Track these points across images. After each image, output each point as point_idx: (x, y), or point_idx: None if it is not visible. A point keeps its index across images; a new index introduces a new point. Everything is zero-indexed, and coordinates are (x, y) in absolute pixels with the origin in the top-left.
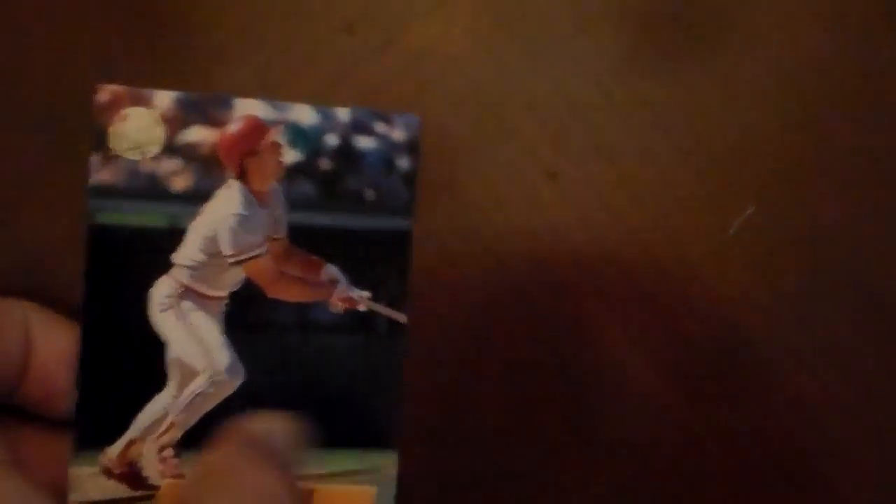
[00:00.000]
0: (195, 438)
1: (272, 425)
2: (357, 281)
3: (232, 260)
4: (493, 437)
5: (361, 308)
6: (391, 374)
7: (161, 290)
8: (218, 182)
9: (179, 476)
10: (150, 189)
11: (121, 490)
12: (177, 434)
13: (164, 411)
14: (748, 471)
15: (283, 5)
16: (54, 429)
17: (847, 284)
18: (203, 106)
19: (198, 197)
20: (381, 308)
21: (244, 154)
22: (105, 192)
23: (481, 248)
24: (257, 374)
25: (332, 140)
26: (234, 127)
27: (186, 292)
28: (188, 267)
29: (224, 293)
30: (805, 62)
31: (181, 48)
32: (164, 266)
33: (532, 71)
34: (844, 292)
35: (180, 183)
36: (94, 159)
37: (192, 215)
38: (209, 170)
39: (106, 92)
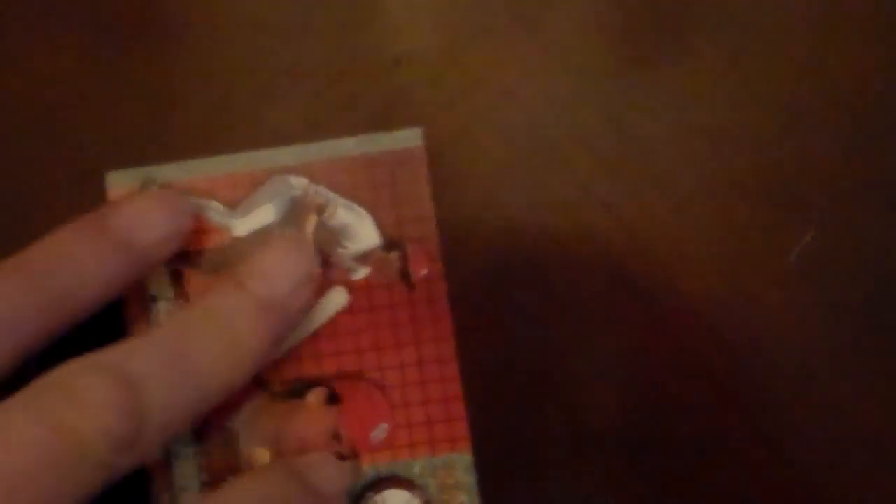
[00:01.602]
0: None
1: (320, 461)
2: None
3: None
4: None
5: None
6: None
7: None
8: None
9: None
10: None
11: None
12: None
13: None
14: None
15: (330, 39)
16: None
17: None
18: None
19: None
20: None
21: None
22: None
23: (538, 283)
24: None
25: None
26: None
27: None
28: None
29: None
30: (859, 85)
31: (227, 90)
32: None
33: (583, 102)
34: None
35: None
36: None
37: None
38: None
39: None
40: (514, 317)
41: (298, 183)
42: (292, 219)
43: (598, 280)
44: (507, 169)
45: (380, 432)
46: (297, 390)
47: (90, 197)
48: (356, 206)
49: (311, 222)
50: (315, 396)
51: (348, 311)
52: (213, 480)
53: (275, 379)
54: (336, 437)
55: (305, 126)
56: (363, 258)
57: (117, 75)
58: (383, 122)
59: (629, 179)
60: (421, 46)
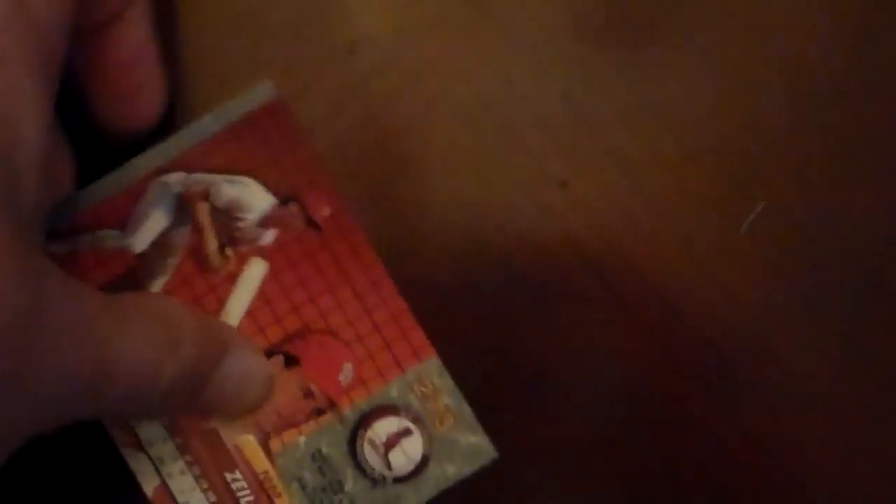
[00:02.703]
0: None
1: None
2: None
3: None
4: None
5: None
6: None
7: None
8: None
9: None
10: None
11: None
12: None
13: None
14: (767, 470)
15: (285, 29)
16: None
17: (860, 279)
18: None
19: None
20: None
21: None
22: None
23: (494, 260)
24: None
25: None
26: None
27: None
28: None
29: None
30: (810, 58)
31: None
32: None
33: (537, 83)
34: (857, 287)
35: None
36: None
37: None
38: None
39: None
40: (476, 297)
41: (175, 179)
42: (183, 215)
43: (557, 257)
44: (463, 151)
45: (346, 373)
46: None
47: None
48: (237, 178)
49: (203, 210)
50: (273, 365)
51: (271, 276)
52: (210, 484)
53: None
54: (308, 394)
55: None
56: (265, 222)
57: None
58: (338, 108)
59: (583, 157)
60: (375, 32)
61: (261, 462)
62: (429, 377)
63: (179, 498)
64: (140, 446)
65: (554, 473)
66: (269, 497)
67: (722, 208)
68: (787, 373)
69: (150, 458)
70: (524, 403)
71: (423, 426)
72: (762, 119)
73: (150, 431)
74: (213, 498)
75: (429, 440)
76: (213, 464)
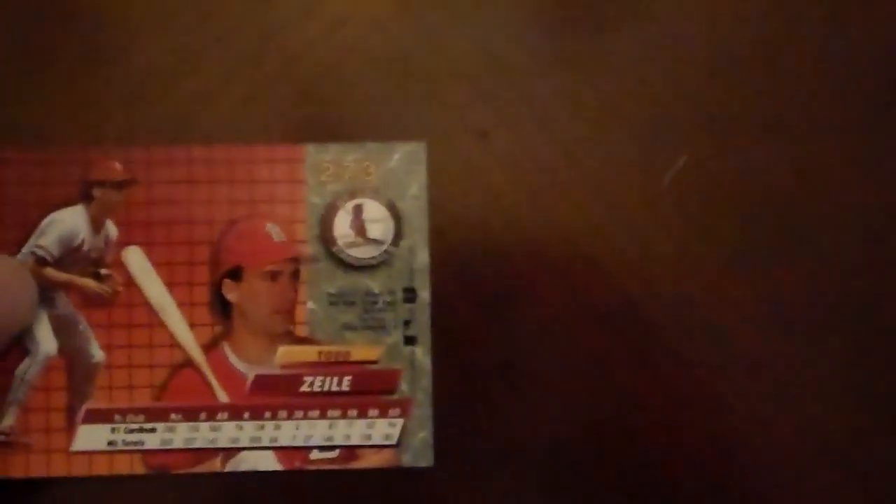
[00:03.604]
0: None
1: None
2: None
3: None
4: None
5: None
6: None
7: None
8: None
9: None
10: None
11: None
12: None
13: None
14: (693, 434)
15: None
16: None
17: (782, 233)
18: None
19: None
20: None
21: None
22: None
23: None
24: None
25: None
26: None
27: None
28: None
29: None
30: (727, 12)
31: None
32: None
33: (458, 33)
34: (778, 240)
35: None
36: None
37: None
38: None
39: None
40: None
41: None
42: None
43: (475, 203)
44: (380, 99)
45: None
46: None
47: None
48: (40, 226)
49: (51, 272)
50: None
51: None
52: None
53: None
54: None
55: (177, 65)
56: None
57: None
58: (256, 59)
59: (504, 109)
60: None
61: None
62: None
63: None
64: None
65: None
66: None
67: (643, 162)
68: (706, 327)
69: None
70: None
71: None
72: (684, 73)
73: None
74: None
75: None
76: None
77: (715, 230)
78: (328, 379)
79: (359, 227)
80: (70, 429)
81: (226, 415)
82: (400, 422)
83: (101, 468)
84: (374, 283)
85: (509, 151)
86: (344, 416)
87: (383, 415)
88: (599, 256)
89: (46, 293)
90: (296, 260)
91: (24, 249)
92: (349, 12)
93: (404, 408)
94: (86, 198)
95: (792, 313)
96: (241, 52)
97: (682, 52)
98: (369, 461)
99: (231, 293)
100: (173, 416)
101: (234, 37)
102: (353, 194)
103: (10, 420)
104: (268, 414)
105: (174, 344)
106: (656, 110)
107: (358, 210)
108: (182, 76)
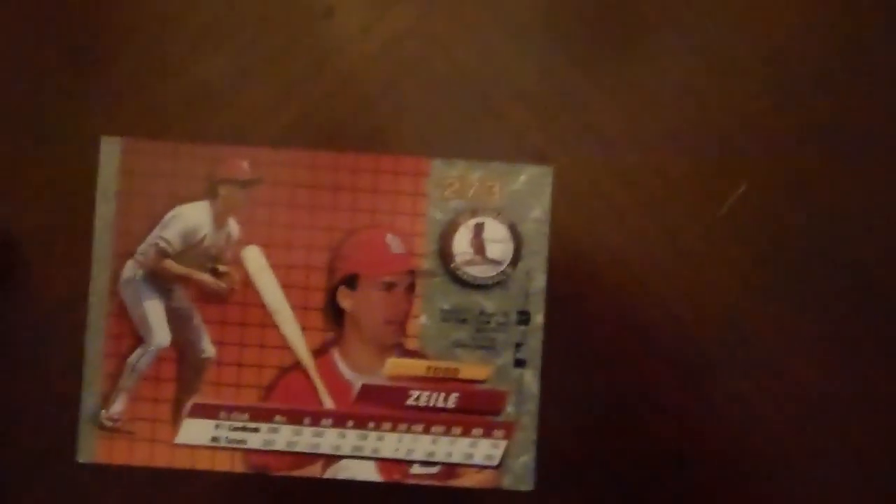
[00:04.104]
0: None
1: None
2: None
3: None
4: None
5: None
6: None
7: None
8: None
9: None
10: None
11: None
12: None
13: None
14: (744, 458)
15: None
16: None
17: (841, 265)
18: None
19: None
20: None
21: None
22: None
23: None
24: None
25: None
26: None
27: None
28: None
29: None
30: (787, 39)
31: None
32: None
33: (517, 54)
34: (837, 271)
35: None
36: None
37: None
38: None
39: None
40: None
41: (130, 270)
42: (164, 283)
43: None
44: (438, 118)
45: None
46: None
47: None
48: (164, 218)
49: (171, 265)
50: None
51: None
52: None
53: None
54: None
55: (237, 76)
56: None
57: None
58: (315, 72)
59: (563, 131)
60: None
61: None
62: None
63: None
64: None
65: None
66: None
67: (701, 189)
68: (760, 360)
69: None
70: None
71: None
72: (745, 102)
73: None
74: None
75: None
76: None
77: (772, 260)
78: (435, 395)
79: (478, 245)
80: (175, 421)
81: (330, 421)
82: (503, 443)
83: (202, 463)
84: (488, 303)
85: (567, 172)
86: (447, 433)
87: (487, 435)
88: (654, 282)
89: (165, 285)
90: (412, 273)
91: (148, 240)
92: (408, 29)
93: (509, 430)
94: (211, 194)
95: (849, 348)
96: (298, 69)
97: (742, 80)
98: (469, 480)
99: (345, 301)
100: (277, 417)
101: (292, 54)
102: (475, 212)
103: (118, 407)
104: (372, 424)
105: (285, 346)
106: (716, 137)
107: (479, 229)
108: (239, 92)
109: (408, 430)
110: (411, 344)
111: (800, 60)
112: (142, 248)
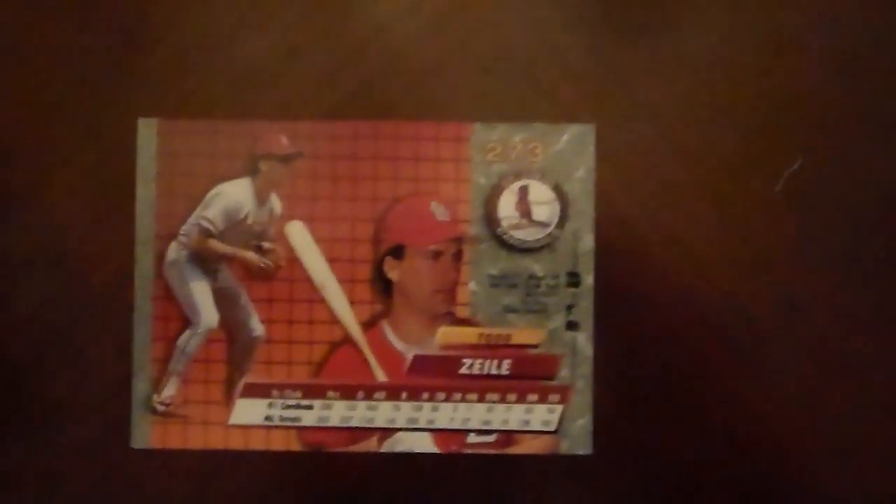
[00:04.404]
0: None
1: None
2: None
3: None
4: None
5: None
6: None
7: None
8: None
9: None
10: None
11: None
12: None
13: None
14: (799, 435)
15: None
16: None
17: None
18: None
19: None
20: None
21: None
22: None
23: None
24: None
25: None
26: None
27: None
28: None
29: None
30: (844, 12)
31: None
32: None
33: (566, 31)
34: (894, 243)
35: None
36: None
37: None
38: None
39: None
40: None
41: (174, 252)
42: (209, 262)
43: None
44: (485, 96)
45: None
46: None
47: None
48: (207, 197)
49: (214, 245)
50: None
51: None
52: None
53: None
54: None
55: (283, 56)
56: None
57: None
58: (361, 52)
59: (613, 108)
60: None
61: None
62: None
63: None
64: None
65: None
66: None
67: (755, 166)
68: (817, 335)
69: None
70: None
71: None
72: (799, 76)
73: None
74: None
75: None
76: None
77: (829, 236)
78: (488, 362)
79: (524, 208)
80: (228, 402)
81: (383, 394)
82: (559, 408)
83: (257, 443)
84: (537, 266)
85: (618, 151)
86: (503, 400)
87: (542, 400)
88: (709, 261)
89: (210, 265)
90: (459, 240)
91: (190, 220)
92: (457, 7)
93: (564, 394)
94: (252, 171)
95: None
96: (344, 49)
97: (797, 51)
98: (527, 447)
99: (393, 271)
100: (330, 393)
101: (338, 33)
102: (518, 175)
103: (170, 391)
104: (426, 395)
105: (334, 320)
106: (771, 111)
107: (523, 191)
108: (285, 72)
109: (462, 400)
110: (461, 312)
111: (854, 30)
112: (184, 228)
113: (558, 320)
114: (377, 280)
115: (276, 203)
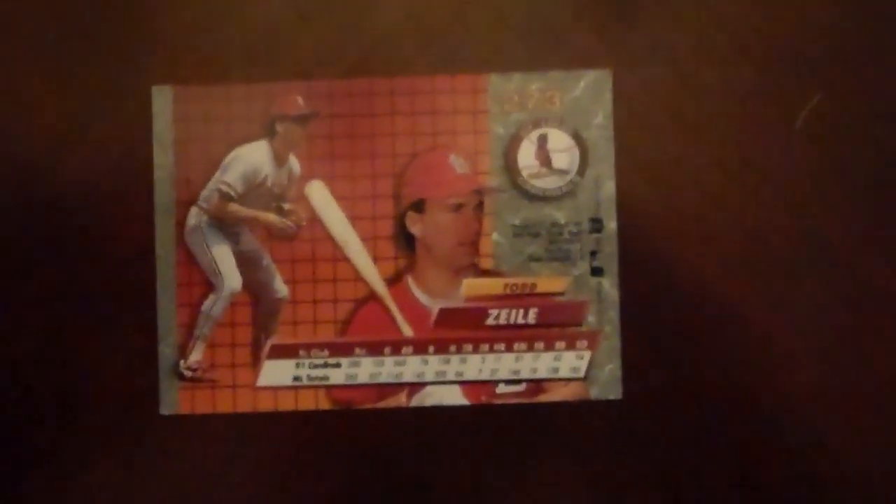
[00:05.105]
0: None
1: None
2: None
3: None
4: None
5: None
6: None
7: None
8: None
9: None
10: None
11: None
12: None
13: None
14: (829, 371)
15: None
16: None
17: None
18: None
19: None
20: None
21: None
22: None
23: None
24: None
25: None
26: None
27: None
28: None
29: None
30: None
31: None
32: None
33: None
34: None
35: None
36: None
37: None
38: None
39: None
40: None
41: (195, 217)
42: (229, 227)
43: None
44: (503, 47)
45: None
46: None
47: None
48: (224, 162)
49: (235, 208)
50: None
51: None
52: None
53: None
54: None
55: (296, 19)
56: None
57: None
58: (374, 10)
59: (628, 49)
60: None
61: None
62: None
63: None
64: None
65: None
66: None
67: (774, 102)
68: (845, 269)
69: None
70: None
71: None
72: (816, 10)
73: None
74: None
75: None
76: None
77: (852, 171)
78: (514, 311)
79: (544, 157)
80: (255, 364)
81: (410, 349)
82: (587, 354)
83: (286, 404)
84: (559, 214)
85: (634, 92)
86: (530, 349)
87: (570, 347)
88: (729, 198)
89: (231, 229)
90: (479, 192)
91: (209, 186)
92: None
93: (592, 340)
94: (269, 133)
95: None
96: (357, 7)
97: None
98: (557, 394)
99: (415, 226)
100: (358, 350)
101: None
102: (537, 124)
103: (197, 356)
104: (453, 348)
105: (358, 278)
106: (787, 46)
107: (543, 140)
108: (299, 34)
109: (490, 350)
110: (485, 263)
111: None
112: (204, 194)
113: (583, 267)
114: (399, 236)
115: (294, 164)
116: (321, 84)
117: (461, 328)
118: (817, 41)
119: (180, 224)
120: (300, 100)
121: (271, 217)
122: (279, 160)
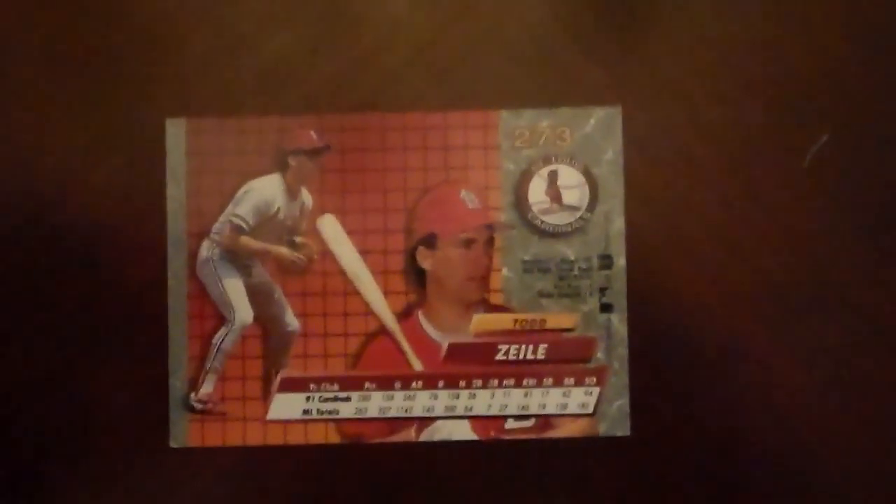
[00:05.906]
0: None
1: None
2: None
3: None
4: None
5: None
6: None
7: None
8: None
9: None
10: None
11: None
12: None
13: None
14: (836, 409)
15: None
16: None
17: None
18: None
19: None
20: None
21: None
22: None
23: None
24: None
25: None
26: None
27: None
28: None
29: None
30: None
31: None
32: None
33: (586, 11)
34: None
35: None
36: None
37: None
38: None
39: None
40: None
41: (206, 250)
42: (239, 262)
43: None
44: (514, 84)
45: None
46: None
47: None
48: (237, 195)
49: (246, 242)
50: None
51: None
52: None
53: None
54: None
55: (308, 52)
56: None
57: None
58: (386, 45)
59: (638, 86)
60: None
61: None
62: None
63: None
64: None
65: None
66: None
67: (782, 140)
68: (852, 310)
69: None
70: None
71: None
72: (826, 51)
73: None
74: None
75: None
76: None
77: (859, 210)
78: (523, 347)
79: (554, 193)
80: (265, 398)
81: (420, 383)
82: (596, 390)
83: (296, 437)
84: (569, 250)
85: (644, 129)
86: (539, 384)
87: (579, 383)
88: (735, 235)
89: (243, 262)
90: (490, 227)
91: (221, 218)
92: None
93: (600, 376)
94: (282, 166)
95: None
96: (368, 42)
97: (820, 26)
98: (565, 430)
99: (425, 261)
100: (368, 384)
101: (362, 26)
102: (547, 160)
103: (207, 388)
104: (462, 383)
105: (368, 312)
106: (796, 87)
107: (553, 176)
108: (310, 68)
109: (499, 386)
110: (495, 298)
111: (883, 10)
112: (216, 226)
113: (592, 303)
114: (410, 270)
115: (306, 197)
116: (333, 118)
117: (471, 363)
118: (825, 81)
119: (192, 256)
120: (314, 134)
121: (283, 250)
122: (291, 193)
